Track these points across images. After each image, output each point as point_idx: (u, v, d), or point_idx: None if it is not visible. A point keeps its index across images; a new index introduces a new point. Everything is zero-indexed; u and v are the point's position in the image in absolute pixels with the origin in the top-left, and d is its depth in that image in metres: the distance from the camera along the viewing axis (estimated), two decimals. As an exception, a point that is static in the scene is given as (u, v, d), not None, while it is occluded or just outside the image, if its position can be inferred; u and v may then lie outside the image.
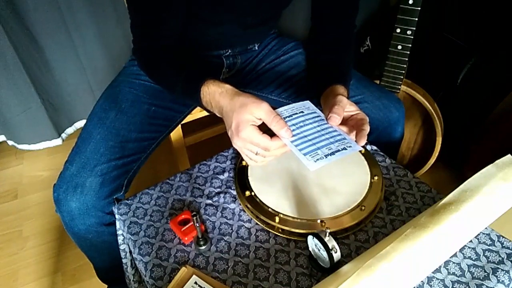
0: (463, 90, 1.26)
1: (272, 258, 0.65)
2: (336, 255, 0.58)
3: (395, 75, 1.14)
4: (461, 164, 1.37)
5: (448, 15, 1.31)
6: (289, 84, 0.96)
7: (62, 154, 1.56)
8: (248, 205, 0.71)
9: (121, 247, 0.78)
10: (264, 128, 0.62)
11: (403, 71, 1.12)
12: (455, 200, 0.54)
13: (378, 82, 1.18)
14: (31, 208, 1.44)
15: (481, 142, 1.28)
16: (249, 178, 0.76)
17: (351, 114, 0.69)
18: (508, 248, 0.64)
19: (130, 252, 0.76)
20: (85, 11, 1.28)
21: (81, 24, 1.31)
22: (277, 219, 0.68)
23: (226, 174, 0.81)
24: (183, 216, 0.71)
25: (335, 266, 0.59)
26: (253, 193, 0.73)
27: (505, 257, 0.63)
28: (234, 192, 0.77)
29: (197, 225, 0.64)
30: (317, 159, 0.59)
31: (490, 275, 0.61)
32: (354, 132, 0.66)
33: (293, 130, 0.63)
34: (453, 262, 0.63)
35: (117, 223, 0.76)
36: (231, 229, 0.70)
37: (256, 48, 1.01)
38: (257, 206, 0.71)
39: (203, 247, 0.67)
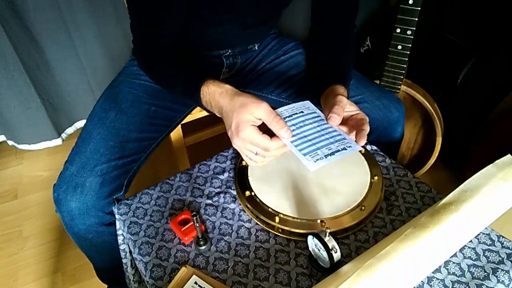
0: (463, 90, 1.26)
1: (272, 258, 0.65)
2: (336, 255, 0.58)
3: (395, 75, 1.14)
4: (461, 164, 1.37)
5: (448, 15, 1.31)
6: (289, 84, 0.96)
7: (62, 154, 1.56)
8: (248, 205, 0.71)
9: (121, 247, 0.78)
10: (264, 128, 0.62)
11: (403, 71, 1.12)
12: (455, 200, 0.54)
13: (378, 82, 1.18)
14: (31, 208, 1.44)
15: (481, 142, 1.28)
16: (249, 178, 0.76)
17: (351, 114, 0.69)
18: (508, 248, 0.64)
19: (130, 252, 0.76)
20: (85, 11, 1.28)
21: (81, 24, 1.31)
22: (277, 219, 0.68)
23: (226, 174, 0.81)
24: (183, 216, 0.71)
25: (335, 266, 0.59)
26: (253, 193, 0.73)
27: (505, 257, 0.63)
28: (234, 192, 0.77)
29: (197, 225, 0.64)
30: (317, 159, 0.59)
31: (490, 275, 0.61)
32: (354, 132, 0.66)
33: (293, 130, 0.63)
34: (453, 262, 0.63)
35: (117, 223, 0.76)
36: (231, 229, 0.70)
37: (256, 48, 1.01)
38: (257, 206, 0.71)
39: (203, 247, 0.67)
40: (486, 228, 0.67)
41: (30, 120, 1.39)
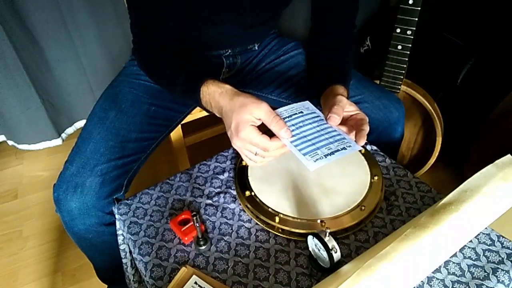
0: (463, 90, 1.26)
1: (272, 258, 0.65)
2: (336, 255, 0.58)
3: (395, 75, 1.14)
4: (461, 164, 1.37)
5: (448, 15, 1.31)
6: (289, 84, 0.96)
7: (62, 154, 1.56)
8: (248, 205, 0.71)
9: (121, 247, 0.78)
10: (263, 129, 0.62)
11: (403, 71, 1.12)
12: (455, 200, 0.54)
13: (378, 82, 1.18)
14: (31, 208, 1.44)
15: (481, 142, 1.28)
16: (249, 178, 0.76)
17: (351, 114, 0.69)
18: (508, 248, 0.64)
19: (130, 252, 0.76)
20: (85, 11, 1.29)
21: (81, 24, 1.31)
22: (277, 219, 0.68)
23: (226, 174, 0.81)
24: (183, 216, 0.71)
25: (335, 266, 0.59)
26: (253, 193, 0.73)
27: (505, 257, 0.63)
28: (234, 192, 0.77)
29: (197, 225, 0.64)
30: (317, 159, 0.59)
31: (490, 275, 0.61)
32: (354, 132, 0.66)
33: (293, 130, 0.63)
34: (453, 262, 0.63)
35: (117, 223, 0.76)
36: (231, 229, 0.70)
37: (256, 48, 1.01)
38: (257, 206, 0.71)
39: (203, 247, 0.67)
40: (486, 228, 0.67)
41: (30, 120, 1.39)
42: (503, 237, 0.66)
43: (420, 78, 1.21)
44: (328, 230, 0.60)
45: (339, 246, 0.58)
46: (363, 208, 0.69)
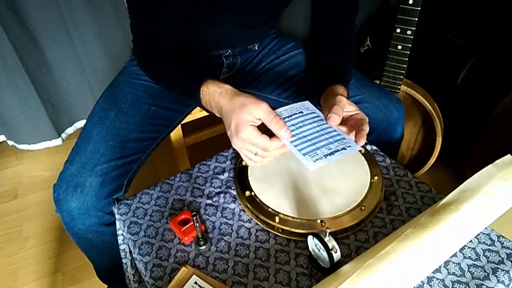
0: (463, 90, 1.26)
1: (272, 258, 0.65)
2: (336, 255, 0.58)
3: (395, 75, 1.14)
4: (461, 164, 1.37)
5: (448, 15, 1.31)
6: (289, 84, 0.96)
7: (62, 154, 1.56)
8: (248, 205, 0.71)
9: (121, 247, 0.78)
10: (263, 129, 0.62)
11: (403, 71, 1.12)
12: (455, 200, 0.54)
13: (378, 82, 1.18)
14: (31, 208, 1.44)
15: (481, 142, 1.28)
16: (249, 178, 0.76)
17: (351, 114, 0.69)
18: (508, 248, 0.64)
19: (130, 252, 0.76)
20: (85, 11, 1.29)
21: (81, 24, 1.31)
22: (277, 219, 0.68)
23: (226, 174, 0.81)
24: (183, 216, 0.71)
25: (335, 266, 0.59)
26: (253, 193, 0.73)
27: (505, 257, 0.63)
28: (234, 192, 0.77)
29: (197, 225, 0.64)
30: (317, 159, 0.59)
31: (490, 275, 0.61)
32: (354, 132, 0.66)
33: (293, 130, 0.63)
34: (453, 262, 0.63)
35: (117, 223, 0.76)
36: (231, 229, 0.70)
37: (256, 48, 1.01)
38: (257, 206, 0.71)
39: (203, 247, 0.67)
40: (486, 228, 0.67)
41: (30, 120, 1.39)
42: (503, 237, 0.66)
43: (420, 78, 1.21)
44: (328, 230, 0.60)
45: (339, 246, 0.58)
46: (363, 208, 0.69)
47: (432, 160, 1.27)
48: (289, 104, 0.69)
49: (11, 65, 1.25)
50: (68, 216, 0.78)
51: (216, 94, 0.66)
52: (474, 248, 0.64)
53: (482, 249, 0.64)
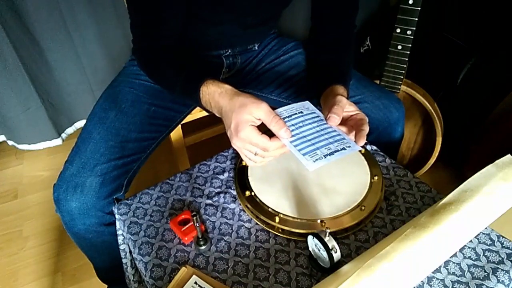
0: (463, 90, 1.26)
1: (272, 258, 0.65)
2: (336, 255, 0.58)
3: (395, 75, 1.14)
4: (461, 164, 1.37)
5: (448, 15, 1.31)
6: (289, 84, 0.96)
7: (62, 154, 1.56)
8: (248, 205, 0.71)
9: (121, 247, 0.78)
10: (263, 129, 0.62)
11: (403, 71, 1.12)
12: (455, 200, 0.54)
13: (378, 82, 1.18)
14: (31, 208, 1.44)
15: (481, 142, 1.28)
16: (249, 178, 0.76)
17: (351, 114, 0.69)
18: (508, 248, 0.64)
19: (130, 252, 0.76)
20: (85, 11, 1.29)
21: (81, 24, 1.31)
22: (277, 219, 0.68)
23: (226, 174, 0.81)
24: (183, 216, 0.71)
25: (335, 266, 0.59)
26: (253, 193, 0.73)
27: (505, 257, 0.63)
28: (234, 192, 0.77)
29: (197, 225, 0.64)
30: (316, 159, 0.59)
31: (490, 275, 0.61)
32: (354, 132, 0.66)
33: (292, 130, 0.63)
34: (453, 262, 0.63)
35: (117, 223, 0.76)
36: (231, 229, 0.70)
37: (256, 48, 1.01)
38: (257, 206, 0.71)
39: (203, 247, 0.67)
40: (486, 228, 0.67)
41: (30, 120, 1.39)
42: (503, 237, 0.66)
43: (420, 78, 1.21)
44: (328, 230, 0.60)
45: (339, 246, 0.58)
46: (363, 208, 0.69)
47: (432, 160, 1.27)
48: (289, 104, 0.69)
49: (11, 65, 1.25)
50: (68, 216, 0.78)
51: (216, 94, 0.66)
52: (474, 248, 0.64)
53: (482, 249, 0.64)
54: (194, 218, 0.63)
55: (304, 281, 0.62)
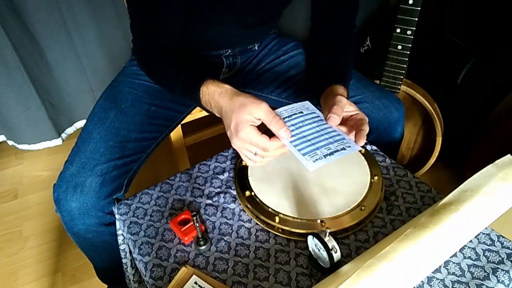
0: (463, 90, 1.26)
1: (272, 258, 0.65)
2: (336, 255, 0.58)
3: (395, 75, 1.14)
4: (461, 164, 1.37)
5: (448, 15, 1.31)
6: (289, 84, 0.96)
7: (62, 154, 1.56)
8: (248, 205, 0.71)
9: (121, 247, 0.78)
10: (263, 129, 0.62)
11: (403, 71, 1.12)
12: (455, 200, 0.54)
13: (378, 82, 1.18)
14: (31, 208, 1.44)
15: (481, 142, 1.28)
16: (249, 178, 0.76)
17: (351, 114, 0.69)
18: (508, 248, 0.64)
19: (130, 252, 0.76)
20: (85, 11, 1.29)
21: (81, 24, 1.31)
22: (277, 219, 0.68)
23: (226, 174, 0.81)
24: (183, 216, 0.71)
25: (335, 266, 0.59)
26: (253, 193, 0.73)
27: (505, 257, 0.63)
28: (234, 192, 0.77)
29: (197, 225, 0.64)
30: (316, 159, 0.59)
31: (490, 275, 0.61)
32: (354, 132, 0.66)
33: (292, 130, 0.63)
34: (453, 262, 0.63)
35: (117, 223, 0.76)
36: (231, 229, 0.70)
37: (256, 48, 1.01)
38: (257, 206, 0.71)
39: (203, 247, 0.67)
40: (486, 228, 0.67)
41: (30, 120, 1.39)
42: (503, 237, 0.66)
43: (420, 78, 1.21)
44: (328, 230, 0.60)
45: (339, 246, 0.58)
46: (363, 208, 0.69)
47: (432, 160, 1.27)
48: (289, 104, 0.69)
49: (11, 65, 1.25)
50: (68, 216, 0.78)
51: (216, 94, 0.66)
52: (474, 248, 0.64)
53: (482, 249, 0.64)
54: (194, 218, 0.63)
55: (304, 281, 0.62)
